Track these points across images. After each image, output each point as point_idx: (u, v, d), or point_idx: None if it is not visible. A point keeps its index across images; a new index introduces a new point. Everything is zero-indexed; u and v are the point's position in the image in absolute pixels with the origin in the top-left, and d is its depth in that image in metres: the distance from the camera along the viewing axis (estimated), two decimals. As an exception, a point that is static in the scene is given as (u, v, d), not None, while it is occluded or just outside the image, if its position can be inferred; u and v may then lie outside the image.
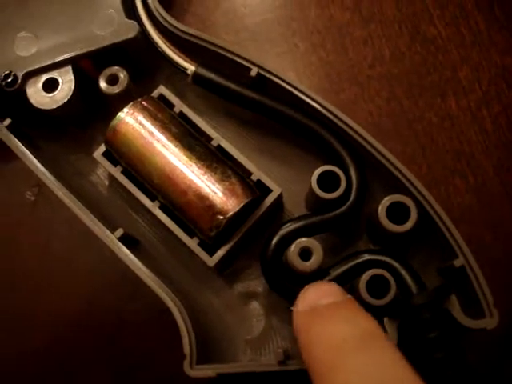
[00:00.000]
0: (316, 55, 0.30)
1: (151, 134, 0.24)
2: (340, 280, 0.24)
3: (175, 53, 0.26)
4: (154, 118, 0.25)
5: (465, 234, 0.27)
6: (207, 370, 0.23)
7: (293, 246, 0.23)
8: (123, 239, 0.25)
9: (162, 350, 0.26)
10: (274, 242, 0.24)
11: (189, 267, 0.26)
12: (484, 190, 0.28)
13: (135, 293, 0.26)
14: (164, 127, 0.25)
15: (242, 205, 0.23)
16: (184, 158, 0.24)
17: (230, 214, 0.23)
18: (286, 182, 0.27)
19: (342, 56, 0.29)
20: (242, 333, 0.26)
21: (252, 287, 0.27)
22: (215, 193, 0.23)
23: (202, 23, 0.31)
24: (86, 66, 0.26)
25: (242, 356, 0.26)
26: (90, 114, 0.27)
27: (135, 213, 0.27)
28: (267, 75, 0.26)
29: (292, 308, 0.21)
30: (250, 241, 0.26)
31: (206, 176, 0.24)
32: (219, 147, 0.25)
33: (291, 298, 0.25)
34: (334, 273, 0.25)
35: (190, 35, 0.26)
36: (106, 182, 0.28)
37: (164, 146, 0.24)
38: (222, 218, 0.23)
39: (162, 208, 0.25)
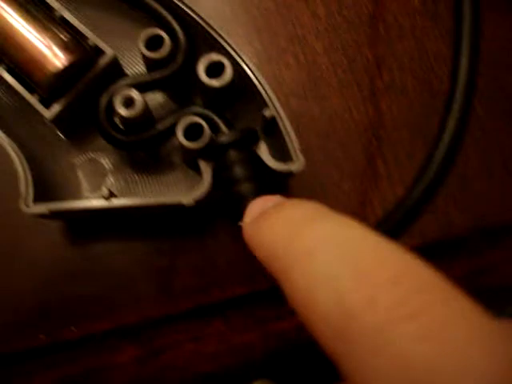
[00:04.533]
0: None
1: (-5, 1, 0.27)
2: (167, 132, 0.27)
3: None
4: (-1, -11, 0.27)
5: (295, 107, 0.30)
6: (40, 207, 0.26)
7: (117, 96, 0.26)
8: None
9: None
10: (103, 98, 0.27)
11: (38, 131, 0.29)
12: (314, 68, 0.31)
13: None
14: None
15: (73, 59, 0.26)
16: (23, 21, 0.27)
17: (62, 67, 0.26)
18: (132, 57, 0.30)
19: None
20: (87, 191, 0.29)
21: (98, 149, 0.29)
22: (49, 48, 0.26)
23: None
24: None
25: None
26: None
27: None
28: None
29: (240, 223, 0.21)
30: (95, 107, 0.29)
31: (41, 35, 0.26)
32: (62, 17, 0.28)
33: (130, 150, 0.28)
34: (161, 125, 0.27)
35: None
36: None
37: (7, 12, 0.27)
38: (54, 71, 0.26)
39: (9, 71, 0.27)
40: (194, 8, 0.28)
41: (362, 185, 0.31)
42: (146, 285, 0.29)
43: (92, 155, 0.29)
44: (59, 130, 0.29)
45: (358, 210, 0.30)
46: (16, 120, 0.29)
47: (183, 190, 0.29)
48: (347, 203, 0.30)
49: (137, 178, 0.29)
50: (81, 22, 0.28)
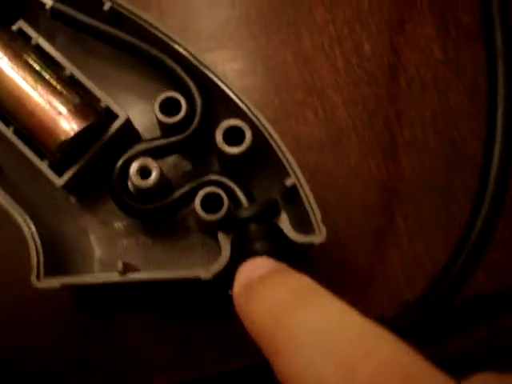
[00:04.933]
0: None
1: (2, 59, 0.26)
2: (183, 200, 0.26)
3: (34, -12, 0.28)
4: (6, 46, 0.26)
5: (313, 163, 0.29)
6: (53, 281, 0.25)
7: (132, 164, 0.25)
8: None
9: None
10: (118, 164, 0.26)
11: (48, 194, 0.28)
12: (333, 122, 0.30)
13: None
14: (16, 55, 0.26)
15: (84, 125, 0.25)
16: (32, 83, 0.25)
17: (73, 134, 0.25)
18: (143, 113, 0.28)
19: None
20: (99, 255, 0.28)
21: (110, 212, 0.28)
22: (59, 114, 0.25)
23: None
24: None
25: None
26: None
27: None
28: (120, 9, 0.27)
29: (230, 293, 0.21)
30: (108, 170, 0.27)
31: (51, 98, 0.25)
32: (71, 76, 0.27)
33: (145, 219, 0.27)
34: (177, 193, 0.26)
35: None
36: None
37: (15, 71, 0.25)
38: (65, 138, 0.25)
39: (17, 133, 0.26)
40: (209, 66, 0.27)
41: (382, 243, 0.30)
42: (158, 353, 0.28)
43: (104, 218, 0.28)
44: (70, 194, 0.27)
45: (377, 269, 0.30)
46: (25, 184, 0.28)
47: (199, 256, 0.28)
48: (367, 262, 0.30)
49: (150, 242, 0.28)
50: (92, 80, 0.27)
